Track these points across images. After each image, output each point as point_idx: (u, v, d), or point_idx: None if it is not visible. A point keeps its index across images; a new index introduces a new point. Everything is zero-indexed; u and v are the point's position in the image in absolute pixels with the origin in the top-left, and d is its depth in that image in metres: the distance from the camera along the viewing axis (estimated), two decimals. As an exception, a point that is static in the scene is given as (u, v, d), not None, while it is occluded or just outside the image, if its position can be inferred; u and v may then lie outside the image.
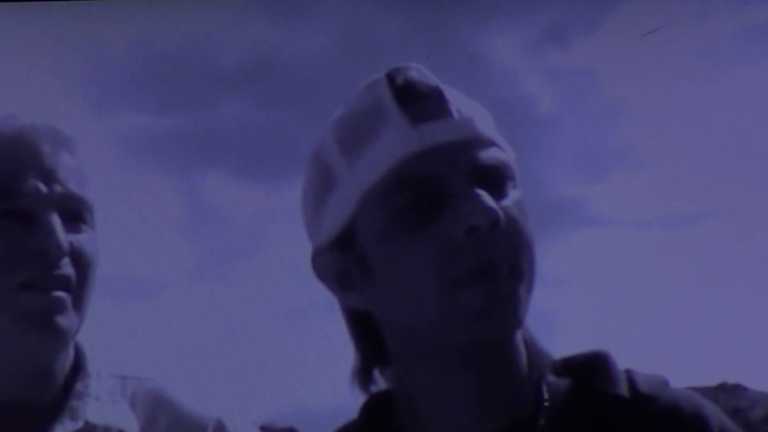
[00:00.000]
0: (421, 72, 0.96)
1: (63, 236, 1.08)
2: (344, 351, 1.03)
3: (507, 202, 0.92)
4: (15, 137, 1.09)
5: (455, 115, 0.93)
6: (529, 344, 0.97)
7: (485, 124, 0.96)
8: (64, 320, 1.09)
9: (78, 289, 1.10)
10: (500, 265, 0.90)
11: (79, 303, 1.11)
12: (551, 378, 0.96)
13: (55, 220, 1.08)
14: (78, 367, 1.16)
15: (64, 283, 1.09)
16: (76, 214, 1.11)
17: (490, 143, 0.94)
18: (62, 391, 1.14)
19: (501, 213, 0.90)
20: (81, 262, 1.11)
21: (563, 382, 0.96)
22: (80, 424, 1.13)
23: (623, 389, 0.95)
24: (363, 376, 1.02)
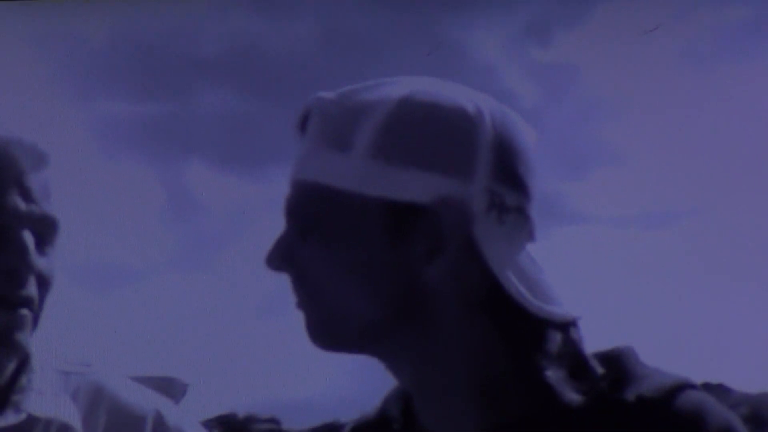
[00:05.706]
0: (318, 100, 0.98)
1: (34, 257, 1.10)
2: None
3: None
4: None
5: (303, 152, 0.98)
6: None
7: (329, 158, 0.96)
8: (23, 337, 1.11)
9: (38, 308, 1.12)
10: None
11: (35, 321, 1.13)
12: (558, 373, 0.93)
13: (29, 240, 1.09)
14: (22, 363, 1.17)
15: (29, 302, 1.10)
16: (45, 234, 1.12)
17: (305, 185, 0.97)
18: (6, 386, 1.15)
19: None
20: (43, 282, 1.12)
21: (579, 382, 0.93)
22: (23, 416, 1.14)
23: (630, 393, 0.93)
24: None
